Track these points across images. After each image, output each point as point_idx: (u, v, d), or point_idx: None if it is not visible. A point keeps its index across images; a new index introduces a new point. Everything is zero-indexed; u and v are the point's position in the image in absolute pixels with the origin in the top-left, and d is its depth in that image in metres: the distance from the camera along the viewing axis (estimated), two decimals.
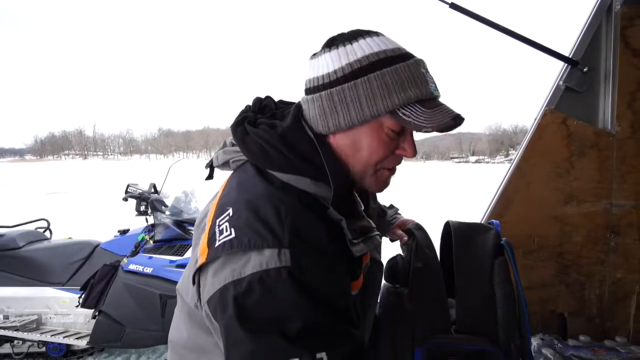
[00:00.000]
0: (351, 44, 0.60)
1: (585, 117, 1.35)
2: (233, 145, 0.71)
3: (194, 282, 0.58)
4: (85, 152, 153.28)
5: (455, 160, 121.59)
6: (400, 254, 1.04)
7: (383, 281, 1.08)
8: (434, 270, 0.93)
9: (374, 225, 0.70)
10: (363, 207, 0.68)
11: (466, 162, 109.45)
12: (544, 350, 1.13)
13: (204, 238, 0.59)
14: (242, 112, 0.72)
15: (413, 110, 0.58)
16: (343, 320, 0.53)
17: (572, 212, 1.36)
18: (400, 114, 0.57)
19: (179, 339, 0.69)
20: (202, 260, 0.56)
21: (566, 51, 1.38)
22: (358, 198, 0.67)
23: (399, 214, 1.06)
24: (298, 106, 0.66)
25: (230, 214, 0.57)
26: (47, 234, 3.25)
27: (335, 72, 0.60)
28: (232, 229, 0.55)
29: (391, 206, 1.08)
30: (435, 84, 0.61)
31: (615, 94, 1.30)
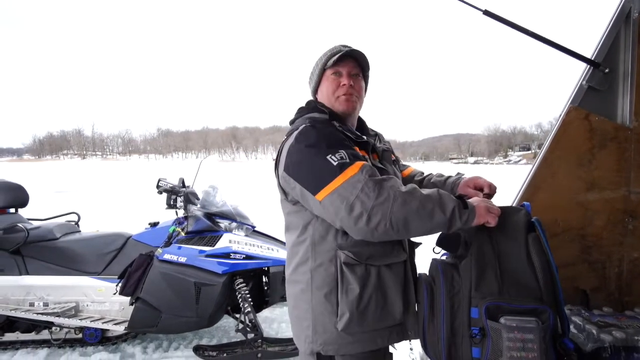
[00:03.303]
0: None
1: (605, 113, 1.50)
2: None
3: (276, 177, 1.16)
4: (84, 152, 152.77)
5: (454, 161, 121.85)
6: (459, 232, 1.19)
7: (437, 255, 1.24)
8: (489, 242, 1.08)
9: (364, 139, 1.17)
10: (361, 135, 1.18)
11: (465, 162, 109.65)
12: (572, 318, 1.28)
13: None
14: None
15: (331, 61, 1.17)
16: (352, 149, 1.07)
17: (594, 199, 1.51)
18: (328, 64, 1.19)
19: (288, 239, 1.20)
20: (274, 159, 1.20)
21: (587, 54, 1.54)
22: (352, 128, 1.22)
23: (463, 176, 1.29)
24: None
25: (285, 135, 1.20)
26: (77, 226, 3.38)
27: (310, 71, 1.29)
28: (285, 135, 1.19)
29: (458, 173, 1.36)
30: (348, 46, 1.21)
31: (633, 93, 1.46)
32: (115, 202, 11.52)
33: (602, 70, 1.49)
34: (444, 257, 1.26)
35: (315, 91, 1.27)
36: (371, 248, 1.04)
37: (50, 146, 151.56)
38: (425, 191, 0.98)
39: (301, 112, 1.23)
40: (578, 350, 1.22)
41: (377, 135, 1.31)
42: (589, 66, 1.51)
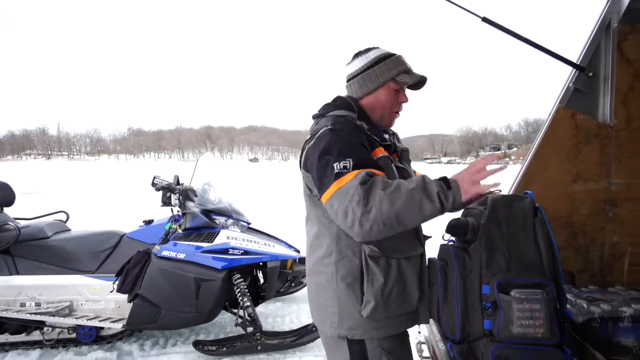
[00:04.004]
0: (367, 53, 1.24)
1: (589, 112, 1.67)
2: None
3: (301, 170, 1.20)
4: (49, 152, 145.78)
5: (428, 161, 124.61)
6: (466, 218, 1.31)
7: (447, 239, 1.36)
8: (497, 226, 1.21)
9: (388, 141, 1.24)
10: (384, 136, 1.25)
11: (439, 162, 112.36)
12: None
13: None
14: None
15: (403, 76, 1.20)
16: (364, 154, 1.10)
17: (579, 189, 1.68)
18: (397, 79, 1.20)
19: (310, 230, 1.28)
20: (299, 155, 1.23)
21: (572, 58, 1.71)
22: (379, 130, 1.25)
23: None
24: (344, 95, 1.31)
25: (310, 132, 1.23)
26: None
27: (362, 67, 1.24)
28: (309, 134, 1.22)
29: None
30: (410, 65, 1.24)
31: (613, 94, 1.63)
32: (87, 202, 11.15)
33: (586, 73, 1.66)
34: (450, 243, 1.38)
35: (365, 93, 1.23)
36: (392, 242, 1.10)
37: (12, 146, 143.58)
38: (410, 183, 1.00)
39: (327, 108, 1.24)
40: (571, 322, 1.37)
41: (394, 134, 1.36)
42: (574, 70, 1.67)
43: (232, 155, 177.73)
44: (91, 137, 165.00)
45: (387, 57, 1.22)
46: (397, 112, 1.27)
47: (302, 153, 1.20)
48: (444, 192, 0.98)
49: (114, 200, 12.02)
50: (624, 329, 1.28)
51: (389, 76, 1.20)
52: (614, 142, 1.65)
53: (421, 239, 1.24)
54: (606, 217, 1.67)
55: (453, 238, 1.37)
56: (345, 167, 1.04)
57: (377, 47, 1.25)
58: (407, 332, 1.24)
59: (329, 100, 1.29)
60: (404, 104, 1.27)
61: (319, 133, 1.14)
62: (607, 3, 1.65)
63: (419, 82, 1.22)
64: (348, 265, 1.15)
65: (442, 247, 1.37)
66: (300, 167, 1.20)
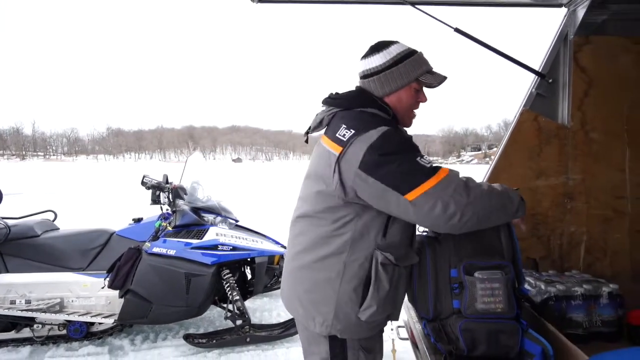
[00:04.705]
0: (387, 48, 1.17)
1: (550, 115, 1.87)
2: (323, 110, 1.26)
3: (334, 171, 1.08)
4: (24, 153, 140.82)
5: None
6: None
7: (422, 230, 1.50)
8: None
9: None
10: None
11: None
12: (527, 278, 1.60)
13: (330, 146, 1.12)
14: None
15: (426, 76, 1.17)
16: (418, 152, 1.10)
17: (541, 184, 1.87)
18: (421, 79, 1.17)
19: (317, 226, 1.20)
20: (338, 151, 1.08)
21: (535, 66, 1.90)
22: None
23: None
24: (359, 86, 1.25)
25: (345, 126, 1.11)
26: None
27: (384, 63, 1.17)
28: (351, 129, 1.09)
29: None
30: (431, 64, 1.19)
31: (570, 99, 1.82)
32: (66, 205, 10.96)
33: (547, 80, 1.85)
34: (424, 234, 1.53)
35: (388, 93, 1.18)
36: (401, 251, 1.16)
37: None
38: (495, 188, 1.11)
39: (351, 102, 1.18)
40: (531, 301, 1.55)
41: None
42: (537, 76, 1.86)
43: (215, 155, 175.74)
44: (68, 136, 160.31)
45: (410, 54, 1.17)
46: (415, 112, 1.25)
47: (343, 151, 1.07)
48: (520, 203, 1.16)
49: (95, 201, 11.85)
50: (575, 306, 1.46)
51: (414, 76, 1.16)
52: (571, 142, 1.84)
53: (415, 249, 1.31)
54: (565, 209, 1.86)
55: (427, 230, 1.52)
56: (430, 162, 1.07)
57: (398, 42, 1.19)
58: (383, 328, 1.31)
59: (326, 95, 1.25)
60: (422, 104, 1.24)
61: (382, 133, 1.06)
62: (565, 17, 1.84)
63: (442, 80, 1.19)
64: (357, 269, 1.13)
65: (417, 237, 1.51)
66: (337, 169, 1.08)
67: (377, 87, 1.18)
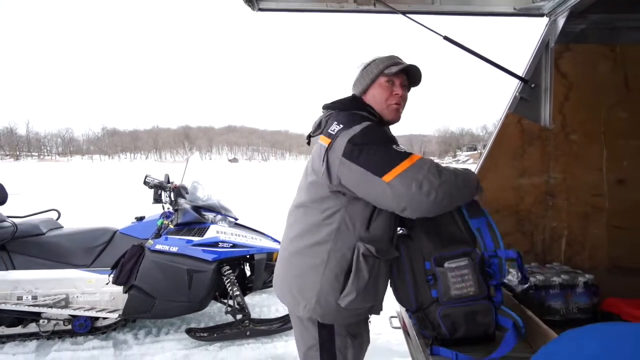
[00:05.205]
0: (367, 61, 1.37)
1: (533, 118, 1.99)
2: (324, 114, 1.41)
3: (323, 161, 1.22)
4: (17, 153, 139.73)
5: None
6: None
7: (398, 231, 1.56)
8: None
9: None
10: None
11: None
12: (510, 270, 1.73)
13: (323, 140, 1.27)
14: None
15: (390, 68, 1.30)
16: (395, 143, 1.24)
17: (525, 183, 1.99)
18: (385, 71, 1.30)
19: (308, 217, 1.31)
20: (327, 143, 1.23)
21: (518, 72, 2.02)
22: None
23: None
24: (353, 93, 1.42)
25: (336, 122, 1.26)
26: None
27: (359, 71, 1.38)
28: (340, 124, 1.24)
29: None
30: (402, 60, 1.34)
31: (551, 103, 1.95)
32: (65, 205, 10.98)
33: (530, 85, 1.97)
34: (400, 231, 1.61)
35: (363, 92, 1.36)
36: (382, 245, 1.26)
37: None
38: (457, 168, 1.23)
39: (346, 105, 1.34)
40: (513, 291, 1.67)
41: None
42: (520, 82, 1.98)
43: (211, 155, 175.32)
44: (63, 137, 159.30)
45: (377, 59, 1.34)
46: (396, 104, 1.33)
47: (330, 144, 1.21)
48: (479, 184, 1.29)
49: (93, 201, 11.88)
50: (553, 294, 1.58)
51: (377, 72, 1.31)
52: (552, 143, 1.96)
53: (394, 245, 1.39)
54: (547, 206, 1.99)
55: (402, 228, 1.60)
56: (404, 150, 1.17)
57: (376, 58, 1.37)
58: (368, 317, 1.42)
59: (326, 100, 1.40)
60: (401, 97, 1.33)
61: (365, 126, 1.20)
62: (546, 27, 1.97)
63: (409, 72, 1.32)
64: (340, 258, 1.22)
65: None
66: (326, 156, 1.21)
67: (356, 90, 1.39)
